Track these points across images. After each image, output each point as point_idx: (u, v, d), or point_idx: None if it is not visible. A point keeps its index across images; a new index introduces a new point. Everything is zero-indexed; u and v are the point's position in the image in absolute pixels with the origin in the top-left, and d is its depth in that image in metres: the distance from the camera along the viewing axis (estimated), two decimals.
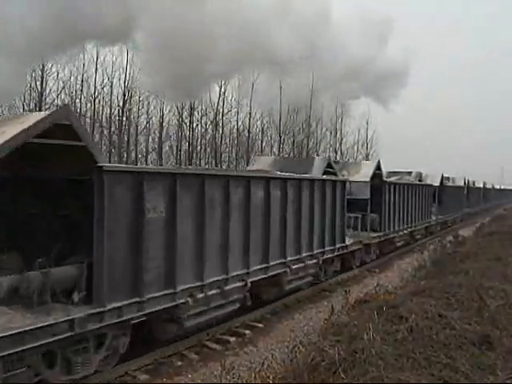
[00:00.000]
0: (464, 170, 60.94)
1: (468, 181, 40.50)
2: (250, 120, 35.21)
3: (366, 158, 42.02)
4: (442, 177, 30.30)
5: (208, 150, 34.52)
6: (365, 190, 17.30)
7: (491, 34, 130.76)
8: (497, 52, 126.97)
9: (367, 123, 43.63)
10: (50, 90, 26.43)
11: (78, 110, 27.23)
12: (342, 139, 42.77)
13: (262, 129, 37.11)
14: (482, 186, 49.79)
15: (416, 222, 23.46)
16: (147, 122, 31.93)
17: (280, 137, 37.00)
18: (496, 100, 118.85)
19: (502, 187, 72.94)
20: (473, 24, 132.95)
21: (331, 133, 41.93)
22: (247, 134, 35.56)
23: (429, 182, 27.48)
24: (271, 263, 10.72)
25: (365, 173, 17.95)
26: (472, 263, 13.01)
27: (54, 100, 26.23)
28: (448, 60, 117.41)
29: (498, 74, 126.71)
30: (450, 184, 33.96)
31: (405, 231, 21.71)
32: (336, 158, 40.53)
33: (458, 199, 35.50)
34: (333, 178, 14.75)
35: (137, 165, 26.95)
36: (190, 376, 7.97)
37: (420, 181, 16.60)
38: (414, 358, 6.01)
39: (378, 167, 18.88)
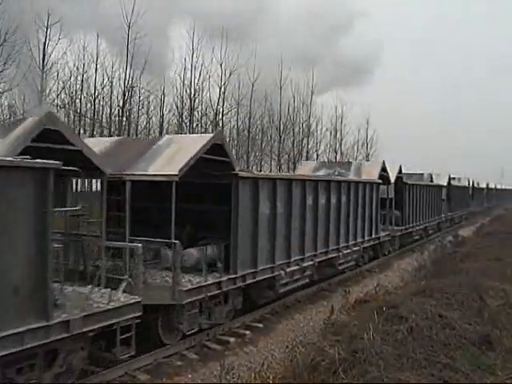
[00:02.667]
0: (464, 170, 61.83)
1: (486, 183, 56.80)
2: (249, 120, 35.16)
3: (366, 157, 41.98)
4: (473, 181, 44.10)
5: None
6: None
7: (491, 34, 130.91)
8: (497, 52, 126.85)
9: (367, 123, 43.65)
10: (50, 90, 26.38)
11: (78, 110, 27.19)
12: (342, 139, 42.74)
13: (262, 129, 37.04)
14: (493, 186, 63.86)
15: (461, 210, 37.65)
16: (147, 122, 31.92)
17: (280, 137, 36.96)
18: (496, 100, 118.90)
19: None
20: (472, 24, 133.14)
21: (331, 133, 41.91)
22: (247, 134, 35.51)
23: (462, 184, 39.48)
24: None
25: (442, 181, 30.41)
26: (472, 263, 13.03)
27: (54, 100, 26.20)
28: (448, 60, 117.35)
29: (498, 74, 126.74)
30: (477, 186, 47.12)
31: (459, 214, 36.80)
32: (336, 158, 40.57)
33: (481, 197, 50.67)
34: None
35: None
36: (190, 376, 7.98)
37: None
38: (414, 358, 6.01)
39: (450, 179, 32.28)
